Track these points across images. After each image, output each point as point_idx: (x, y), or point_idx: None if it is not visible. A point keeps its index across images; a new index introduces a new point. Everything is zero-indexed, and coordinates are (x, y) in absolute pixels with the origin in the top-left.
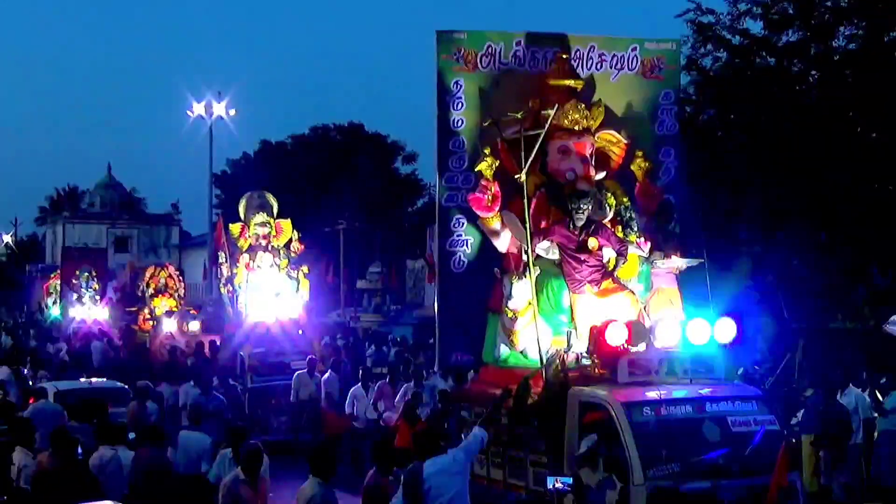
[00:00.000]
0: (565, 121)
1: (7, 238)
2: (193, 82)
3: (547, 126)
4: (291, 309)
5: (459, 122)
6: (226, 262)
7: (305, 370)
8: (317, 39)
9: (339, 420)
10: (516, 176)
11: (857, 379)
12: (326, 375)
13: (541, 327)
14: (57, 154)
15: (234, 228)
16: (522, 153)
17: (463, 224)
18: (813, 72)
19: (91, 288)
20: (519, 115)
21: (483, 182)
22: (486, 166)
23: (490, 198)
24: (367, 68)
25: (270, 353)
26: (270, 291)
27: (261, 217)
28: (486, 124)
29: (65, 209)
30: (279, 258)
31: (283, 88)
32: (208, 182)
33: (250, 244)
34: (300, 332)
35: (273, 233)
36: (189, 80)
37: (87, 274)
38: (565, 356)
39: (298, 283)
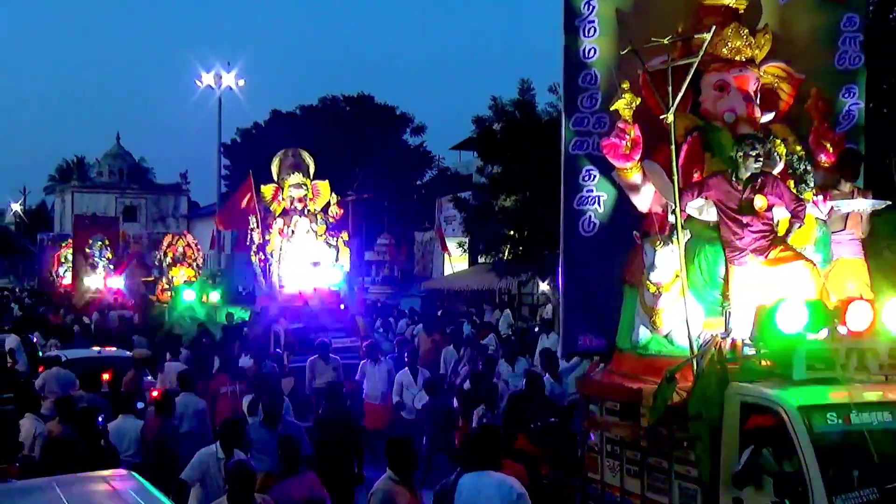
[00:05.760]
0: (724, 49)
1: (16, 207)
2: (203, 52)
3: (701, 54)
4: (331, 279)
5: (591, 52)
6: (257, 227)
7: (323, 355)
8: (327, 10)
9: (381, 412)
10: (662, 117)
11: None
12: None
13: (691, 306)
14: (66, 123)
15: (267, 190)
16: (670, 88)
17: (594, 177)
18: None
19: (104, 257)
20: (666, 42)
21: (620, 124)
22: (623, 105)
23: (629, 144)
24: (375, 39)
25: (309, 330)
26: (307, 260)
27: (296, 178)
28: (625, 53)
29: (74, 178)
30: (316, 223)
31: (295, 59)
32: (217, 152)
33: (284, 208)
34: (342, 306)
35: (310, 195)
36: (199, 49)
37: (100, 243)
38: (723, 343)
39: (338, 251)
